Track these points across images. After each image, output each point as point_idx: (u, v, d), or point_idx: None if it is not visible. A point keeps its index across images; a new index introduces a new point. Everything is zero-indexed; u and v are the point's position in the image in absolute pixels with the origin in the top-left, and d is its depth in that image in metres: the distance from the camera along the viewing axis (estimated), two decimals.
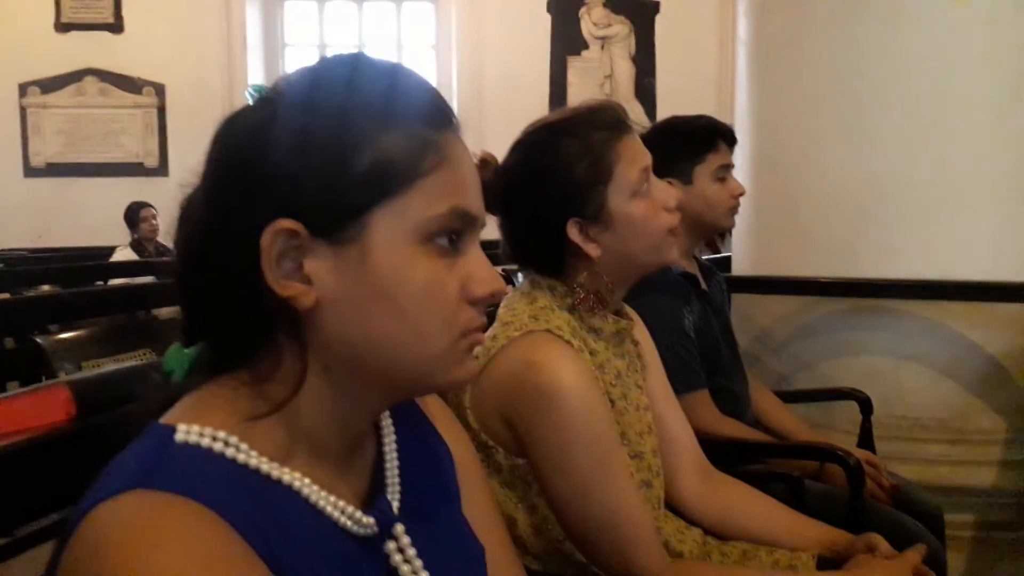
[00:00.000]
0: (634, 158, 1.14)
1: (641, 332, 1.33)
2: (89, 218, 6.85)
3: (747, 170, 2.62)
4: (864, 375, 2.30)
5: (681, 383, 1.51)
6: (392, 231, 0.60)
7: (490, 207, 1.16)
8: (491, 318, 1.17)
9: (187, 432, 0.57)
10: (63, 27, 7.29)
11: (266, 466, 0.59)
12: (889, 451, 2.02)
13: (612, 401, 1.15)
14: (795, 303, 2.59)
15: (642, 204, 1.15)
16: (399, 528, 0.66)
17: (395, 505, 0.67)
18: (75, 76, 7.30)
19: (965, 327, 2.37)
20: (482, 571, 0.74)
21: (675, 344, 1.65)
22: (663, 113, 5.99)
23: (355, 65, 0.63)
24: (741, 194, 1.87)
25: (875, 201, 2.40)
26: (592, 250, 1.14)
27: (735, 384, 1.84)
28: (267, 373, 0.61)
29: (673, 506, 1.30)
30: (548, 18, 7.70)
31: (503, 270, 1.23)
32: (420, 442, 0.75)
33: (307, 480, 0.61)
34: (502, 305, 1.19)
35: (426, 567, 0.66)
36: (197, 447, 0.57)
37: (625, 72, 7.81)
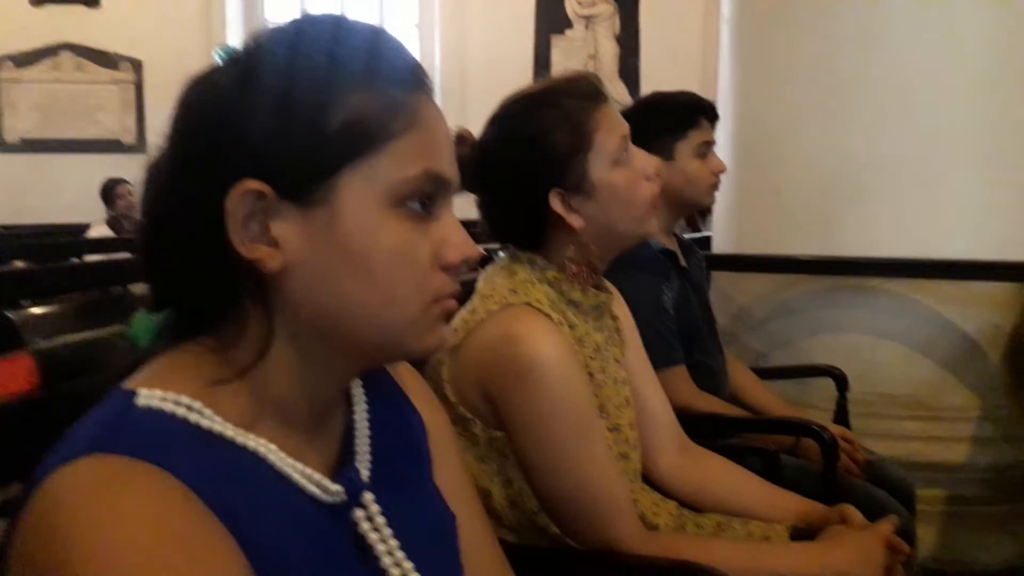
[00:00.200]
0: (612, 126, 1.14)
1: (620, 306, 1.33)
2: (65, 195, 6.75)
3: (728, 149, 2.62)
4: (841, 352, 2.32)
5: (659, 358, 1.51)
6: (362, 194, 0.58)
7: (468, 184, 1.16)
8: (470, 292, 1.17)
9: (149, 396, 0.56)
10: (38, 0, 7.15)
11: (231, 432, 0.58)
12: (864, 427, 2.05)
13: (591, 374, 1.15)
14: (773, 281, 2.61)
15: (623, 173, 1.14)
16: (368, 496, 0.65)
17: (365, 473, 0.67)
18: (51, 51, 7.16)
19: (941, 305, 2.40)
20: (453, 540, 0.74)
21: (654, 320, 1.65)
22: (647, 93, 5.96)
23: (326, 24, 0.62)
24: (722, 171, 1.87)
25: (854, 180, 2.41)
26: (575, 221, 1.13)
27: (713, 360, 1.85)
28: (233, 339, 0.60)
29: (650, 479, 1.30)
30: None
31: (485, 250, 1.22)
32: (392, 411, 0.74)
33: (273, 447, 0.60)
34: (481, 279, 1.18)
35: (396, 535, 0.66)
36: (159, 411, 0.56)
37: (609, 52, 7.77)
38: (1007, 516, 2.35)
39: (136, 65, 7.17)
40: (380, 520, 0.65)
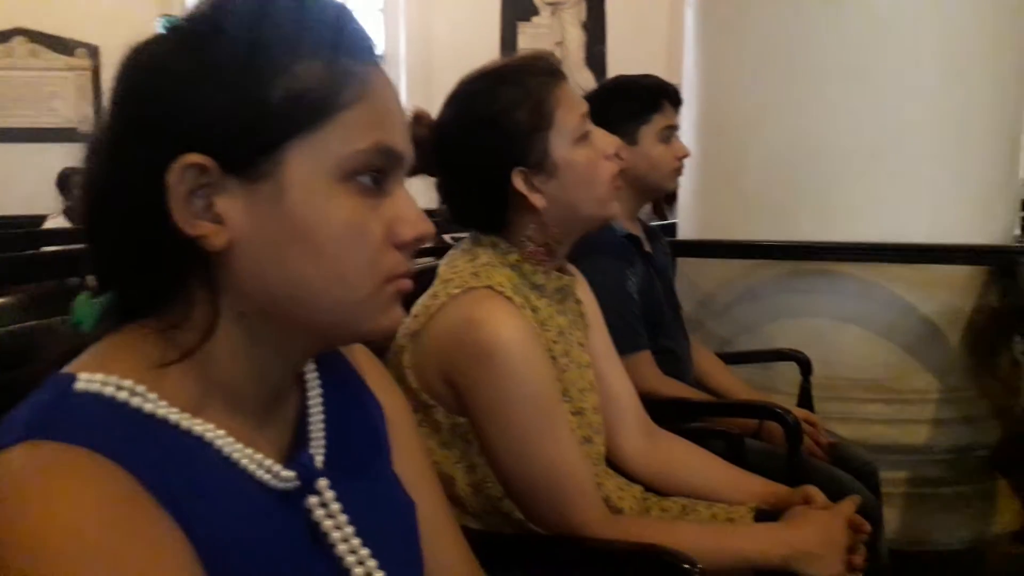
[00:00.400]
0: (572, 105, 1.13)
1: (584, 291, 1.32)
2: (20, 186, 6.57)
3: (693, 135, 2.62)
4: (804, 337, 2.34)
5: (624, 344, 1.51)
6: (310, 167, 0.56)
7: (427, 166, 1.14)
8: (433, 277, 1.15)
9: (89, 381, 0.54)
10: None
11: (175, 416, 0.56)
12: (827, 411, 2.07)
13: (554, 358, 1.14)
14: (737, 267, 2.62)
15: (584, 151, 1.13)
16: (322, 482, 0.63)
17: (319, 459, 0.65)
18: (3, 36, 6.97)
19: (902, 289, 2.43)
20: (412, 526, 0.73)
21: (618, 305, 1.64)
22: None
23: None
24: (685, 156, 1.87)
25: (817, 165, 2.43)
26: (538, 200, 1.12)
27: (677, 345, 1.85)
28: (178, 320, 0.58)
29: (614, 463, 1.30)
30: None
31: (452, 238, 1.21)
32: (348, 396, 0.73)
33: (221, 431, 0.58)
34: (443, 263, 1.17)
35: (351, 522, 0.64)
36: (99, 396, 0.53)
37: (576, 39, 7.75)
38: (968, 496, 2.40)
39: (92, 51, 7.00)
40: (335, 507, 0.64)
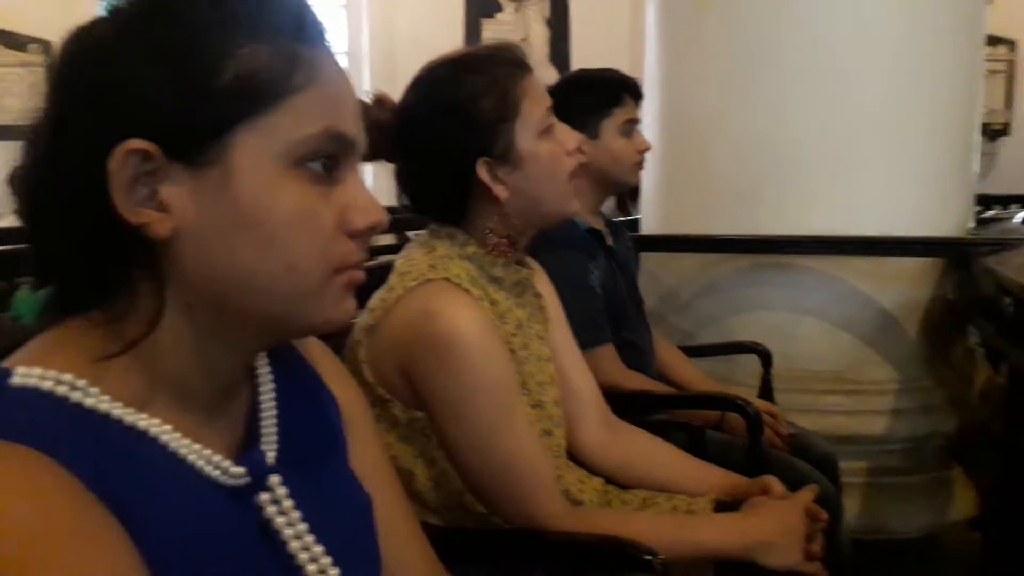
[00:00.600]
0: (538, 97, 1.12)
1: (544, 284, 1.32)
2: None
3: (655, 130, 2.63)
4: (765, 329, 2.36)
5: (587, 338, 1.51)
6: (257, 153, 0.55)
7: (388, 152, 1.12)
8: (389, 271, 1.14)
9: (26, 375, 0.52)
10: None
11: (118, 411, 0.54)
12: (788, 402, 2.09)
13: (513, 351, 1.14)
14: (699, 261, 2.64)
15: (548, 145, 1.13)
16: (274, 479, 0.62)
17: (271, 455, 0.63)
18: None
19: (860, 281, 2.46)
20: (368, 522, 0.71)
21: (581, 299, 1.64)
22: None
23: None
24: (647, 149, 1.88)
25: (777, 159, 2.45)
26: (501, 192, 1.11)
27: (640, 339, 1.86)
28: (122, 312, 0.56)
29: (575, 456, 1.30)
30: None
31: (416, 235, 1.19)
32: (302, 390, 0.71)
33: (167, 427, 0.56)
34: (400, 256, 1.15)
35: (305, 519, 0.63)
36: (36, 391, 0.52)
37: (540, 36, 7.75)
38: (926, 485, 2.44)
39: (45, 47, 6.84)
40: (287, 503, 0.62)
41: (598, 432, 1.31)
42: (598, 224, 1.87)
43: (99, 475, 0.50)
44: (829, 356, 2.46)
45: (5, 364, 0.54)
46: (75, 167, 0.54)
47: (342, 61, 0.61)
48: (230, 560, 0.58)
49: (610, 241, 1.88)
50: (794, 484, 1.23)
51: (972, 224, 2.79)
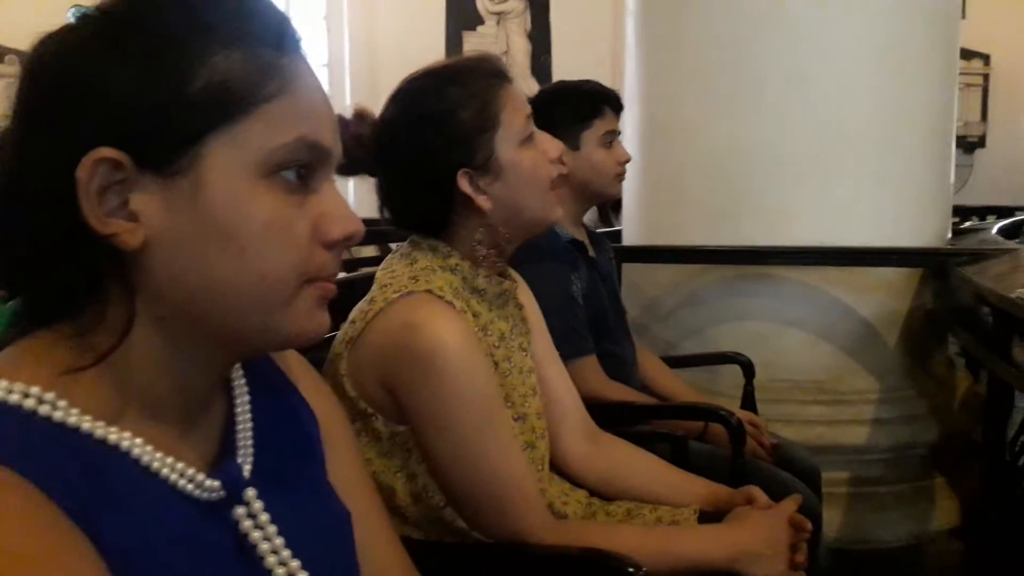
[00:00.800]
0: (517, 106, 1.12)
1: (526, 295, 1.31)
2: None
3: (635, 141, 2.64)
4: (747, 340, 2.37)
5: (569, 349, 1.50)
6: (230, 162, 0.54)
7: (368, 165, 1.12)
8: (370, 283, 1.13)
9: None
10: None
11: (88, 425, 0.53)
12: (770, 413, 2.09)
13: (495, 363, 1.13)
14: (681, 272, 2.64)
15: (529, 153, 1.13)
16: (250, 492, 0.60)
17: (247, 468, 0.62)
18: None
19: (841, 292, 2.48)
20: (347, 536, 0.70)
21: (564, 310, 1.64)
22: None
23: None
24: (627, 161, 1.88)
25: (758, 171, 2.47)
26: (483, 202, 1.10)
27: (622, 350, 1.86)
28: (92, 324, 0.55)
29: (559, 468, 1.29)
30: None
31: (397, 247, 1.19)
32: (278, 403, 0.70)
33: (139, 440, 0.55)
34: (381, 268, 1.15)
35: (281, 532, 0.61)
36: (3, 404, 0.50)
37: (521, 48, 7.80)
38: (907, 495, 2.45)
39: (24, 57, 6.80)
40: (263, 517, 0.61)
41: (581, 444, 1.30)
42: (580, 235, 1.87)
43: (68, 491, 0.49)
44: (811, 366, 2.48)
45: None
46: (43, 176, 0.53)
47: (323, 73, 0.61)
48: (206, 575, 0.56)
49: (592, 252, 1.88)
50: (777, 494, 1.23)
51: (949, 235, 2.82)
